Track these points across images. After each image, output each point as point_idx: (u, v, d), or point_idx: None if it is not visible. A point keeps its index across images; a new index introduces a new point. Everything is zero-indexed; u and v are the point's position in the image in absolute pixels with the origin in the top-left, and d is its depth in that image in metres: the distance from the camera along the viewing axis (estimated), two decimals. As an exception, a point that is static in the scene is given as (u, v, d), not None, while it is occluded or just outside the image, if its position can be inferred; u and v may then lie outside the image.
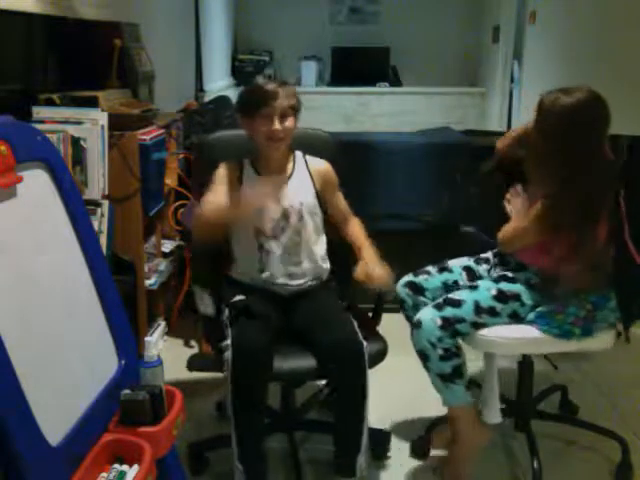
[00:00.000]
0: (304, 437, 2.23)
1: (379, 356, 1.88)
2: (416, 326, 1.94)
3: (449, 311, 1.92)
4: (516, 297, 1.94)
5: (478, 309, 1.91)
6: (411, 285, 2.09)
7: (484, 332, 1.93)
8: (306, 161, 2.06)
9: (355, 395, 1.82)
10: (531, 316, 1.93)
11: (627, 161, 1.97)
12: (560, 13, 4.86)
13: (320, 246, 2.06)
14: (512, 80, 6.27)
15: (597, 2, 4.23)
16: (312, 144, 2.16)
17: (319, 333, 1.84)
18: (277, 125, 1.88)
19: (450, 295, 1.96)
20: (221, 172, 1.98)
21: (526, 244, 1.95)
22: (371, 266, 1.89)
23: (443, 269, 2.12)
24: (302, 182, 2.03)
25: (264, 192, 1.86)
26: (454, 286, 2.07)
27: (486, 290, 1.95)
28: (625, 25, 3.76)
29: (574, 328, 1.90)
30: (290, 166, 2.04)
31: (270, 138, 1.91)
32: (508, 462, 2.18)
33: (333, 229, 2.10)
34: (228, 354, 1.75)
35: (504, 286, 1.96)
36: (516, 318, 1.94)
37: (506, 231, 1.97)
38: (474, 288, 1.97)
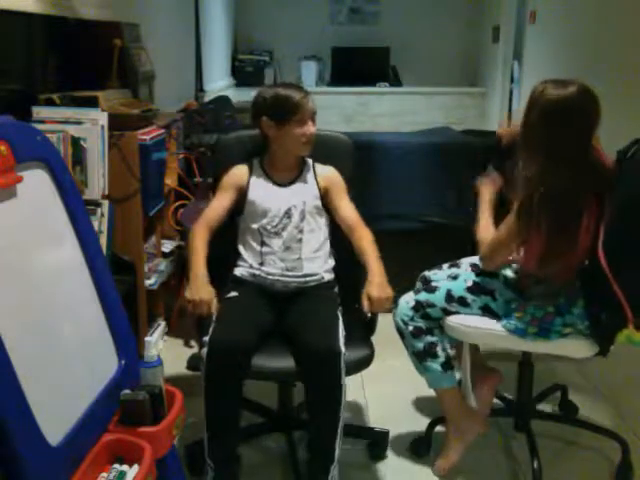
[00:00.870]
0: (302, 437, 2.23)
1: (363, 363, 1.89)
2: (395, 306, 2.04)
3: (423, 295, 2.02)
4: (489, 292, 1.98)
5: (449, 297, 1.99)
6: (422, 278, 2.16)
7: (451, 318, 1.99)
8: (314, 167, 2.13)
9: (328, 402, 1.80)
10: (501, 312, 1.97)
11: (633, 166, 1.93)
12: (560, 13, 4.86)
13: (322, 246, 2.08)
14: (512, 80, 6.27)
15: (597, 2, 4.23)
16: (330, 147, 2.21)
17: (301, 335, 1.84)
18: (312, 128, 2.03)
19: (431, 283, 2.05)
20: (227, 180, 2.09)
21: (505, 255, 1.94)
22: (374, 291, 1.86)
23: (453, 265, 2.16)
24: (307, 184, 2.10)
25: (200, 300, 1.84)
26: (456, 277, 2.09)
27: (463, 281, 2.01)
28: (625, 25, 3.77)
29: (529, 327, 1.90)
30: (297, 169, 2.11)
31: (306, 141, 2.03)
32: (508, 462, 2.18)
33: (341, 234, 2.10)
34: (204, 351, 1.77)
35: (482, 280, 2.00)
36: (489, 312, 1.98)
37: (485, 247, 1.96)
38: (454, 278, 2.04)
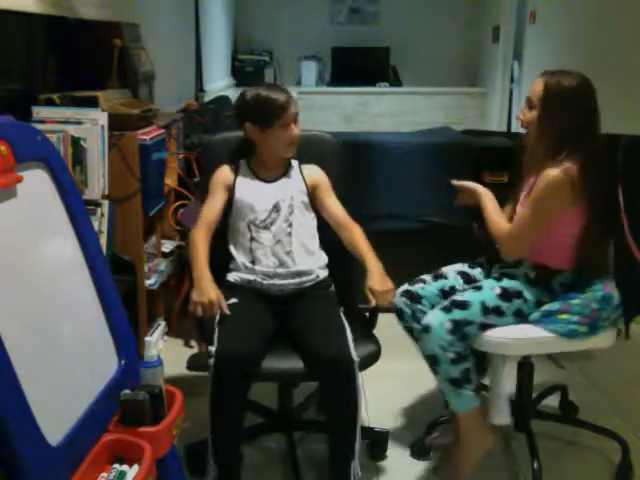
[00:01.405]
0: (302, 437, 2.23)
1: (371, 359, 1.89)
2: (425, 330, 1.90)
3: (457, 313, 1.89)
4: (518, 294, 1.93)
5: (485, 310, 1.90)
6: (408, 294, 2.05)
7: (490, 333, 1.91)
8: (300, 167, 2.15)
9: (346, 407, 1.83)
10: (536, 315, 1.92)
11: (624, 161, 1.98)
12: (560, 13, 4.86)
13: (312, 241, 2.09)
14: (512, 80, 6.27)
15: (597, 2, 4.24)
16: (316, 146, 2.21)
17: (311, 342, 1.84)
18: (296, 130, 2.04)
19: (455, 297, 1.94)
20: (215, 180, 2.10)
21: (531, 239, 1.94)
22: (377, 284, 1.90)
23: (438, 276, 2.10)
24: (294, 180, 2.12)
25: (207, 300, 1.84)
26: (451, 292, 2.05)
27: (490, 289, 1.94)
28: (625, 25, 3.77)
29: (580, 327, 1.88)
30: (284, 167, 2.13)
31: (290, 143, 2.04)
32: (508, 462, 2.18)
33: (333, 232, 2.11)
34: (211, 361, 1.77)
35: (506, 283, 1.95)
36: (521, 316, 1.93)
37: (507, 236, 1.95)
38: (478, 288, 1.96)
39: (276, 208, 2.04)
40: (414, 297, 2.04)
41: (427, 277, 2.10)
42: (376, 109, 6.80)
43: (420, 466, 2.14)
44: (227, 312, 1.86)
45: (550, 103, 1.89)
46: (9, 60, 2.29)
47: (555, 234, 1.92)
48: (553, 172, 1.83)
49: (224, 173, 2.10)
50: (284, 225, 2.04)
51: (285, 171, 2.13)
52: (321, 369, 1.81)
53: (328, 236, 2.11)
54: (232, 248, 2.08)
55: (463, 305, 1.90)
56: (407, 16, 7.01)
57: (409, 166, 3.24)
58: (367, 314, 2.06)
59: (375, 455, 2.18)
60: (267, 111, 2.00)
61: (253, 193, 2.07)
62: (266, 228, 2.03)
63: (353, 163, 3.14)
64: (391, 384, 2.57)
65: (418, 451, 2.19)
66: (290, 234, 2.04)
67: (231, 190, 2.08)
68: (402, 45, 7.02)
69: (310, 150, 2.16)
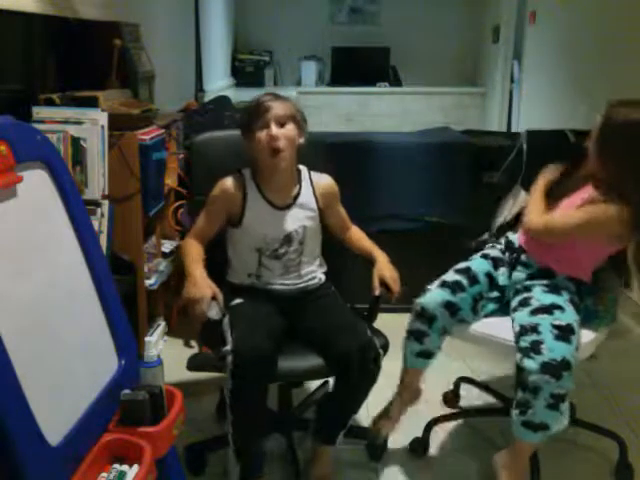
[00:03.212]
0: (302, 437, 2.23)
1: (385, 351, 1.91)
2: (565, 368, 1.72)
3: (575, 340, 1.79)
4: (578, 306, 1.94)
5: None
6: (449, 306, 1.93)
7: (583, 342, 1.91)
8: (311, 179, 2.04)
9: (363, 391, 1.89)
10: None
11: None
12: (560, 13, 4.86)
13: (317, 259, 2.08)
14: (512, 80, 6.27)
15: (597, 2, 4.23)
16: (304, 146, 2.18)
17: (334, 337, 1.83)
18: (274, 130, 1.85)
19: (557, 322, 1.81)
20: (218, 197, 1.96)
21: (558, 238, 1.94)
22: (387, 272, 1.94)
23: (472, 279, 1.99)
24: (306, 205, 2.00)
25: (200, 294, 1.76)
26: (479, 298, 2.00)
27: (567, 306, 1.88)
28: (625, 25, 3.77)
29: (614, 311, 1.96)
30: (293, 187, 2.00)
31: (271, 149, 1.86)
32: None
33: (328, 237, 2.11)
34: (229, 361, 1.72)
35: (568, 296, 1.93)
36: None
37: (551, 221, 1.92)
38: (560, 308, 1.86)
39: (288, 239, 1.96)
40: (454, 309, 1.93)
41: (463, 280, 1.98)
42: (376, 109, 6.80)
43: (419, 465, 2.14)
44: (219, 305, 1.77)
45: (603, 134, 1.80)
46: (9, 60, 2.29)
47: (592, 256, 1.97)
48: (618, 211, 1.77)
49: (229, 191, 1.95)
50: (294, 255, 1.98)
51: (296, 193, 1.99)
52: (348, 363, 1.79)
53: (324, 241, 2.10)
54: (235, 262, 2.02)
55: (573, 330, 1.80)
56: (407, 16, 7.01)
57: (409, 166, 3.24)
58: (365, 313, 2.07)
59: (375, 455, 2.18)
60: (248, 112, 1.91)
61: (264, 221, 1.95)
62: (277, 258, 1.97)
63: (353, 163, 3.14)
64: (390, 384, 2.57)
65: (416, 450, 2.19)
66: (300, 263, 2.00)
67: (238, 210, 1.95)
68: (402, 45, 7.02)
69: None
